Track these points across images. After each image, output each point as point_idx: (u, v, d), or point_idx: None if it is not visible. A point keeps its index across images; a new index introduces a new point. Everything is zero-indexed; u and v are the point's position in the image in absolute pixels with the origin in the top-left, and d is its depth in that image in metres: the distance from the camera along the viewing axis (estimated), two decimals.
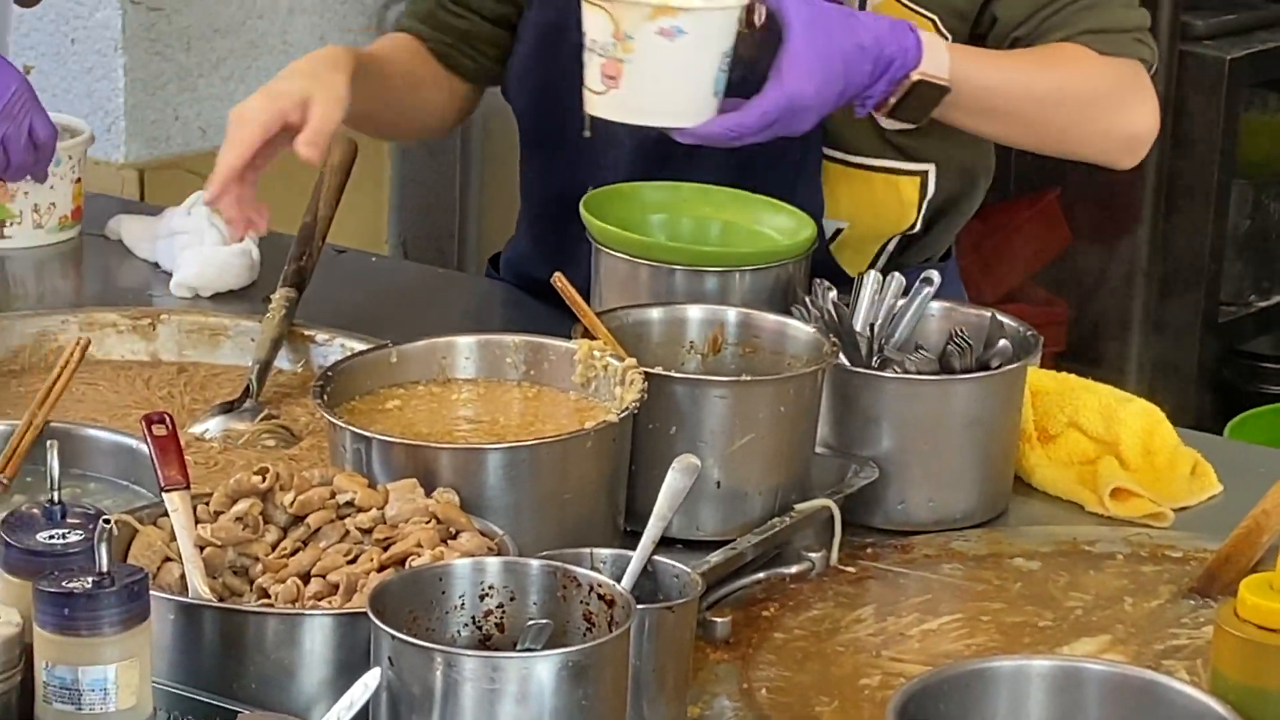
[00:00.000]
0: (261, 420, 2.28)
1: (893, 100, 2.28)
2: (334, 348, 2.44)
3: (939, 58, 2.28)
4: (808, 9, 2.22)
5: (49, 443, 1.80)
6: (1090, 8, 2.41)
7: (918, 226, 2.53)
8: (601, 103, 2.19)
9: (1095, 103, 2.41)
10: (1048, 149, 2.51)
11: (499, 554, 1.80)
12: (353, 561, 1.82)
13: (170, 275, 2.65)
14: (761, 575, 2.02)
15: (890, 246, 2.55)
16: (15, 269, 2.70)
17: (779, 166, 2.45)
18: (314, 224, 2.54)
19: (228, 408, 2.30)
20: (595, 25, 2.17)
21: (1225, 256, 4.36)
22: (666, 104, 2.20)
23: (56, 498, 1.73)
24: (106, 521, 1.65)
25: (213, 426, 2.27)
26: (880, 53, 2.24)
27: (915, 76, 2.27)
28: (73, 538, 1.68)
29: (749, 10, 2.20)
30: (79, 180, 2.77)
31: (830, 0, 2.29)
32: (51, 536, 1.68)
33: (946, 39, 2.38)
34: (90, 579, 1.60)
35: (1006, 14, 2.42)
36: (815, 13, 2.23)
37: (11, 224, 2.73)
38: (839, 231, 2.52)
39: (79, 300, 2.64)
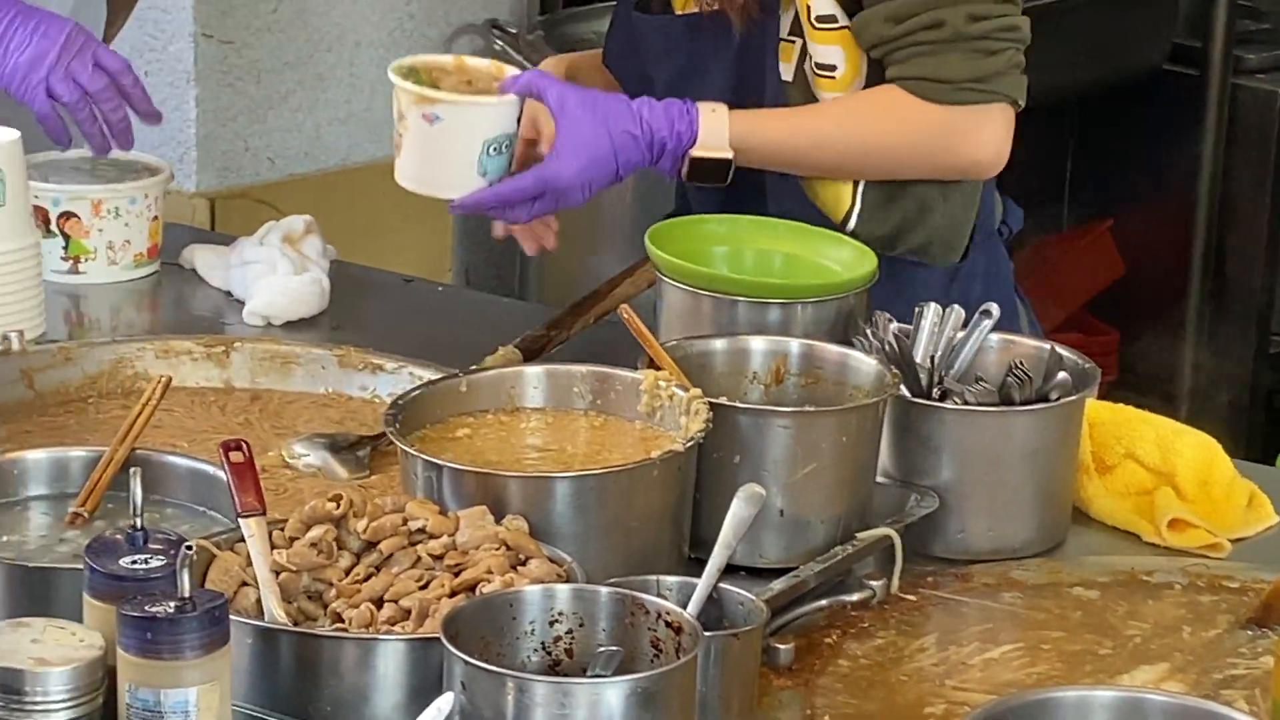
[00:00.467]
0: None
1: (683, 172, 2.47)
2: (403, 376, 2.45)
3: (718, 134, 2.46)
4: (572, 100, 2.42)
5: (132, 470, 1.82)
6: (929, 54, 2.50)
7: (853, 219, 2.56)
8: (395, 169, 2.45)
9: (911, 148, 2.54)
10: (888, 178, 2.59)
11: (568, 581, 1.80)
12: (424, 587, 1.83)
13: (243, 303, 2.66)
14: (824, 602, 2.02)
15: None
16: (92, 301, 2.72)
17: None
18: (596, 299, 2.52)
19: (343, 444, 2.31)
20: (394, 103, 2.42)
21: (1277, 286, 4.34)
22: (431, 177, 2.42)
23: (139, 524, 1.74)
24: (189, 547, 1.66)
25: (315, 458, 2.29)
26: (652, 138, 2.44)
27: (694, 154, 2.45)
28: (155, 563, 1.69)
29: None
30: (156, 218, 2.77)
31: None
32: (134, 562, 1.70)
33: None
34: (172, 604, 1.61)
35: (863, 36, 2.52)
36: (579, 103, 2.43)
37: (87, 260, 2.74)
38: None
39: (154, 328, 2.65)
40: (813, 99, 2.55)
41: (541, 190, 2.42)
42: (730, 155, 2.46)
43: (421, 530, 1.88)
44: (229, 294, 2.72)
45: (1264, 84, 4.26)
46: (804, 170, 2.51)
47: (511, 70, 2.44)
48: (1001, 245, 2.76)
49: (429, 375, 2.33)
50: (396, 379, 2.45)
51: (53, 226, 2.72)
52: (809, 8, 2.51)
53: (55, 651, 1.64)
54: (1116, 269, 4.39)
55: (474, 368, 2.29)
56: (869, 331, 2.23)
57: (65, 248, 2.74)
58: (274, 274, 2.65)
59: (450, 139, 2.39)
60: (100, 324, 2.67)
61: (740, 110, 2.49)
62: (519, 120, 2.43)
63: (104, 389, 2.46)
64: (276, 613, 1.79)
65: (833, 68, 2.54)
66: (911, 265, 2.59)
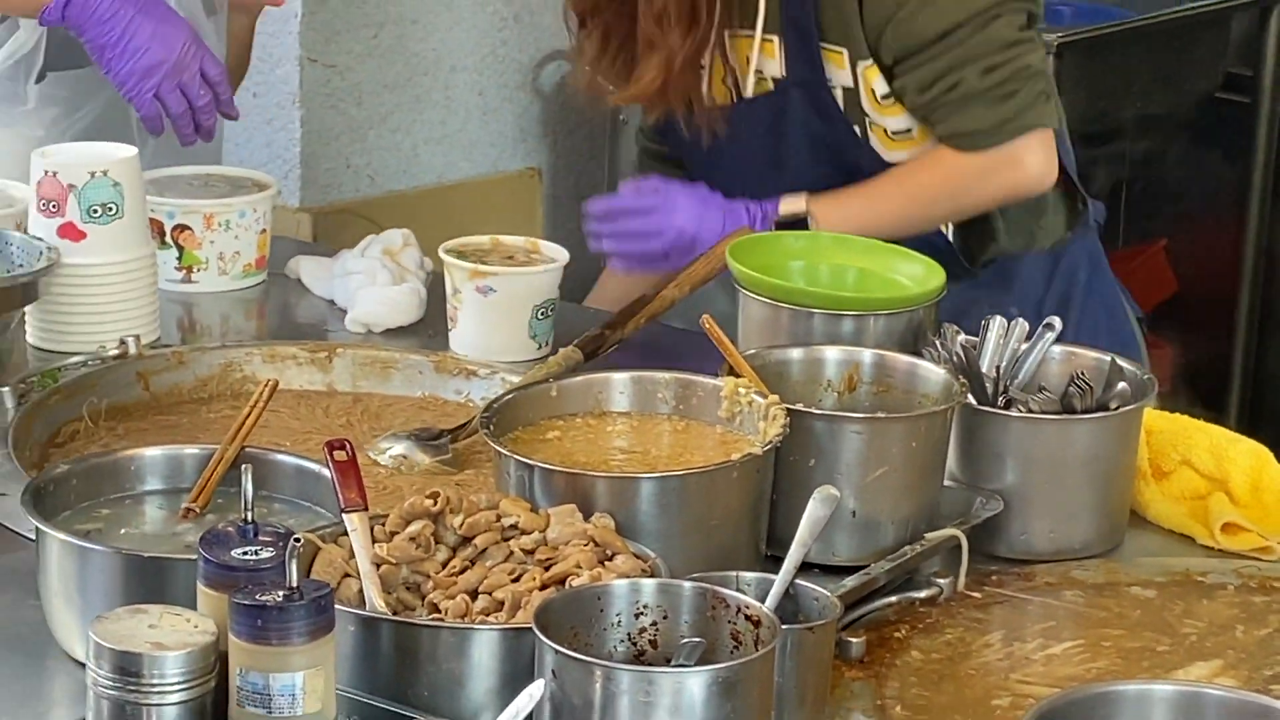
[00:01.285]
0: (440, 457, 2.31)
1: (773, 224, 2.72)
2: (494, 381, 2.46)
3: (795, 203, 2.74)
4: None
5: (244, 467, 1.82)
6: (956, 112, 2.72)
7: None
8: (451, 338, 2.55)
9: (964, 195, 2.77)
10: (959, 219, 2.84)
11: (652, 575, 1.80)
12: (517, 580, 1.83)
13: (345, 311, 2.67)
14: (893, 599, 2.02)
15: None
16: (204, 309, 2.73)
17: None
18: (648, 300, 2.53)
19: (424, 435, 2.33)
20: (446, 279, 2.55)
21: None
22: (485, 343, 2.52)
23: (250, 517, 1.75)
24: (297, 540, 1.67)
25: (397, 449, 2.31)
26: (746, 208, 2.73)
27: (780, 214, 2.73)
28: (264, 554, 1.70)
29: None
30: (264, 231, 2.79)
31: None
32: (245, 553, 1.70)
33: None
34: (281, 593, 1.61)
35: (904, 106, 2.75)
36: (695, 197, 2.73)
37: (199, 270, 2.76)
38: None
39: (261, 334, 2.66)
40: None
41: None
42: (807, 213, 2.74)
43: (514, 526, 1.88)
44: (332, 302, 2.73)
45: None
46: (885, 235, 2.57)
47: (545, 244, 2.61)
48: (1097, 235, 2.94)
49: (519, 380, 2.34)
50: (489, 384, 2.46)
51: (167, 238, 2.74)
52: (872, 90, 2.74)
53: (171, 637, 1.64)
54: (1170, 286, 4.37)
55: (542, 371, 2.35)
56: (938, 343, 2.23)
57: (179, 258, 2.75)
58: (374, 284, 2.67)
59: (503, 307, 2.51)
60: (211, 330, 2.69)
61: (816, 198, 2.73)
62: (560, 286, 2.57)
63: (214, 391, 2.47)
64: (377, 603, 1.79)
65: (907, 131, 2.78)
66: (1014, 257, 2.70)
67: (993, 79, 2.69)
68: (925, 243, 2.60)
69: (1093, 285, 2.91)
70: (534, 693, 1.64)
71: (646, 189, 2.78)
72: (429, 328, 2.63)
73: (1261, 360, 4.33)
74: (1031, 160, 2.74)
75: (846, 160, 2.78)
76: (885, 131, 2.77)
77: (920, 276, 2.36)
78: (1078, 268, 2.90)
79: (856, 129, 2.76)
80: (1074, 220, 2.91)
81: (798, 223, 2.72)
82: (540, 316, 2.54)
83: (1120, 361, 2.22)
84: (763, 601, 1.75)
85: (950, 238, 2.81)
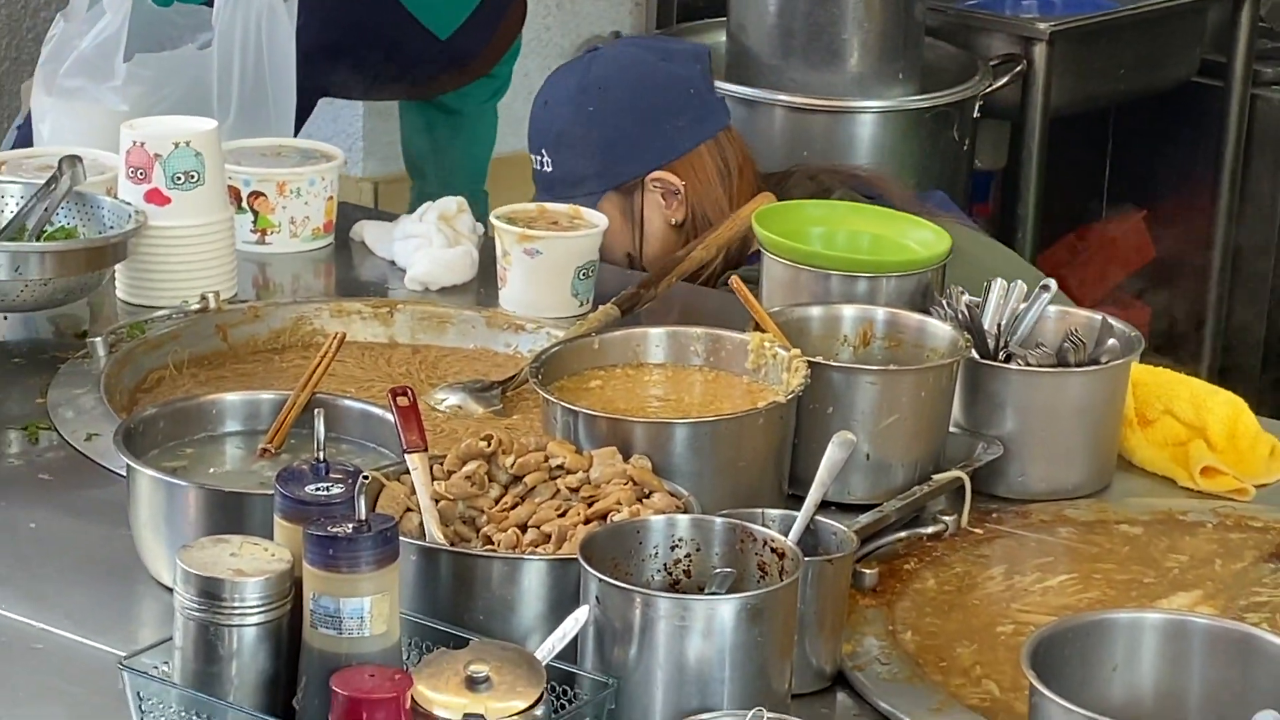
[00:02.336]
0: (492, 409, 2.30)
1: None
2: (541, 335, 2.45)
3: None
4: None
5: (316, 411, 1.81)
6: None
7: None
8: (500, 296, 2.53)
9: None
10: None
11: (686, 512, 1.79)
12: (563, 515, 1.82)
13: (404, 271, 2.66)
14: (903, 534, 2.01)
15: None
16: (276, 268, 2.72)
17: None
18: (680, 261, 2.52)
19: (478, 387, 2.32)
20: (496, 243, 2.53)
21: None
22: (533, 300, 2.49)
23: (322, 457, 1.74)
24: (364, 478, 1.66)
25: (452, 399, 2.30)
26: None
27: None
28: (335, 490, 1.68)
29: None
30: (331, 198, 2.77)
31: None
32: (317, 489, 1.69)
33: None
34: (350, 525, 1.60)
35: None
36: None
37: (272, 233, 2.74)
38: None
39: (329, 292, 2.65)
40: None
41: None
42: None
43: (560, 466, 1.87)
44: (392, 263, 2.72)
45: (1279, 95, 4.22)
46: None
47: (587, 211, 2.57)
48: None
49: (563, 334, 2.33)
50: (536, 337, 2.45)
51: (244, 204, 2.73)
52: None
53: (250, 564, 1.63)
54: (1149, 253, 4.36)
55: (584, 326, 2.33)
56: (944, 302, 2.21)
57: (254, 222, 2.74)
58: (431, 246, 2.65)
59: (549, 268, 2.49)
60: (283, 287, 2.67)
61: None
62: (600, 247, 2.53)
63: (286, 342, 2.47)
64: (436, 535, 1.78)
65: None
66: None
67: None
68: None
69: None
70: (579, 617, 1.63)
71: None
72: (481, 286, 2.62)
73: (1230, 319, 4.32)
74: None
75: None
76: None
77: (929, 242, 2.35)
78: None
79: None
80: None
81: None
82: (582, 276, 2.52)
83: (1111, 320, 2.20)
84: (786, 536, 1.74)
85: None
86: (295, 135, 3.02)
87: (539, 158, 2.74)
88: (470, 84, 3.37)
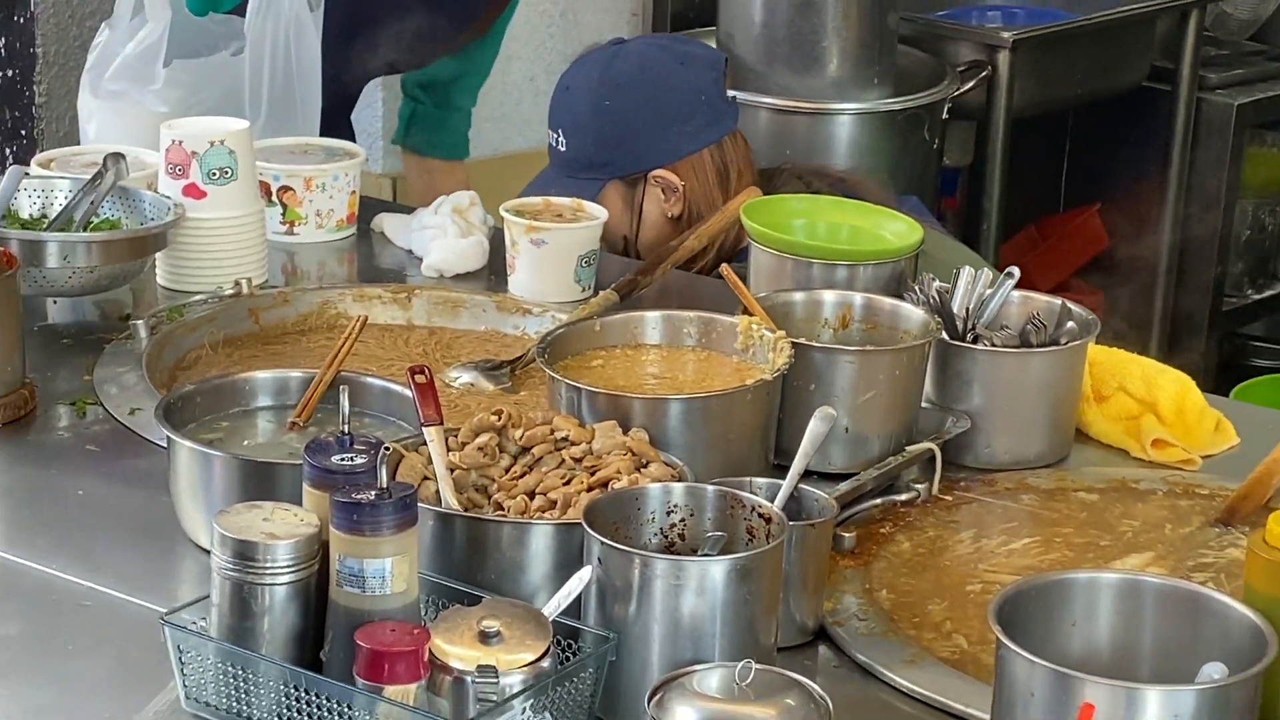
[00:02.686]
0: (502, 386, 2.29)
1: None
2: (546, 318, 2.44)
3: None
4: None
5: (341, 387, 1.80)
6: None
7: None
8: (509, 283, 2.52)
9: None
10: None
11: (680, 480, 1.79)
12: (567, 483, 1.81)
13: (421, 260, 2.65)
14: (879, 501, 2.01)
15: None
16: (303, 256, 2.71)
17: None
18: (674, 250, 2.51)
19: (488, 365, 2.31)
20: (505, 233, 2.52)
21: (1229, 259, 4.30)
22: (539, 286, 2.48)
23: (346, 430, 1.73)
24: (386, 449, 1.65)
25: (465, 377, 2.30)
26: None
27: None
28: (359, 460, 1.68)
29: None
30: (354, 192, 2.76)
31: None
32: (343, 459, 1.68)
33: None
34: (373, 492, 1.60)
35: None
36: None
37: (299, 225, 2.73)
38: None
39: (352, 278, 2.64)
40: None
41: None
42: None
43: (565, 438, 1.86)
44: (410, 252, 2.71)
45: (1222, 98, 4.22)
46: None
47: (588, 204, 2.56)
48: None
49: (567, 317, 2.33)
50: (542, 320, 2.44)
51: (274, 197, 2.72)
52: None
53: (281, 528, 1.63)
54: (1103, 242, 4.35)
55: (586, 310, 2.33)
56: (917, 288, 2.21)
57: (283, 214, 2.73)
58: (445, 237, 2.64)
59: (553, 256, 2.48)
60: (310, 274, 2.66)
61: None
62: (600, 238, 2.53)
63: (313, 325, 2.46)
64: (451, 501, 1.78)
65: None
66: None
67: None
68: None
69: None
70: (583, 576, 1.63)
71: None
72: (491, 273, 2.61)
73: (1177, 304, 4.31)
74: None
75: None
76: None
77: (903, 233, 2.34)
78: None
79: None
80: None
81: None
82: (584, 264, 2.52)
83: (1070, 304, 2.20)
84: (772, 502, 1.74)
85: None
86: (349, 117, 3.00)
87: (555, 135, 2.72)
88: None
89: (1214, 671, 1.44)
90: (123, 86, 2.84)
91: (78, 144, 2.89)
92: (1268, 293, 4.44)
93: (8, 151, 3.78)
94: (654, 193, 2.67)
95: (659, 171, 2.67)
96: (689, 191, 2.66)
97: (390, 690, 1.54)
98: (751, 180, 2.69)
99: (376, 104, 3.79)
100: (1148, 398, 2.22)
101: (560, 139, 2.71)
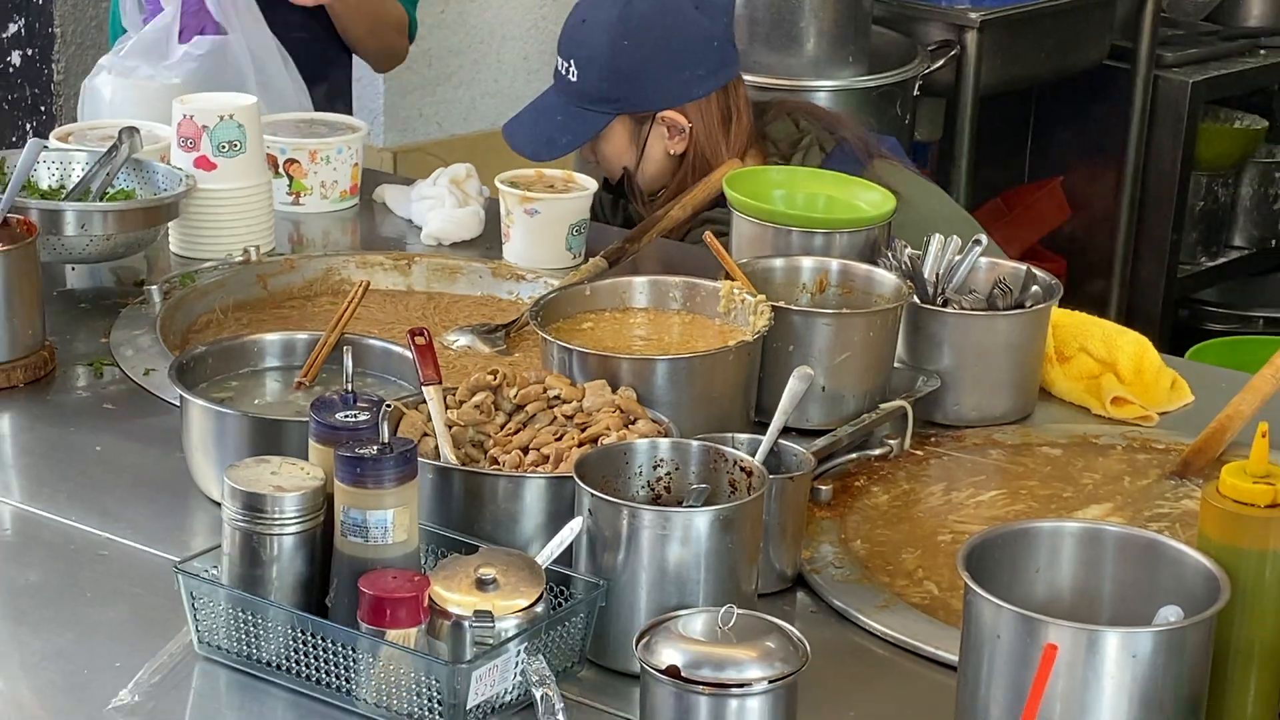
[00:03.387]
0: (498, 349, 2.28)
1: None
2: (539, 284, 2.43)
3: None
4: None
5: (345, 348, 1.79)
6: None
7: None
8: (504, 250, 2.50)
9: None
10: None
11: (666, 436, 1.78)
12: (559, 439, 1.81)
13: (420, 228, 2.64)
14: (854, 456, 2.00)
15: None
16: (309, 225, 2.70)
17: None
18: (660, 219, 2.48)
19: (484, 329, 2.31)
20: (500, 204, 2.51)
21: (1184, 228, 4.29)
22: (532, 254, 2.47)
23: (350, 388, 1.72)
24: (387, 406, 1.64)
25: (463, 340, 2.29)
26: None
27: None
28: (362, 417, 1.68)
29: None
30: (356, 165, 2.75)
31: None
32: (347, 416, 1.68)
33: None
34: (375, 447, 1.59)
35: None
36: None
37: (305, 196, 2.72)
38: None
39: (355, 246, 2.63)
40: None
41: None
42: None
43: (557, 397, 1.86)
44: (410, 221, 2.70)
45: (1178, 76, 4.20)
46: None
47: (579, 176, 2.55)
48: None
49: (559, 283, 2.32)
50: (535, 286, 2.43)
51: (281, 170, 2.70)
52: None
53: (288, 481, 1.63)
54: (1065, 213, 4.33)
55: (577, 275, 2.31)
56: (889, 254, 2.20)
57: (289, 185, 2.72)
58: (443, 207, 2.63)
59: (546, 225, 2.47)
60: (315, 242, 2.65)
61: None
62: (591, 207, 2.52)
63: (318, 290, 2.45)
64: (449, 456, 1.77)
65: None
66: None
67: None
68: None
69: None
70: (574, 527, 1.63)
71: None
72: (487, 241, 2.60)
73: (1135, 271, 4.31)
74: None
75: None
76: None
77: (877, 203, 2.32)
78: None
79: None
80: None
81: None
82: (575, 233, 2.50)
83: (1034, 270, 2.19)
84: (753, 457, 1.73)
85: None
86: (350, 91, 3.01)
87: (566, 64, 2.63)
88: None
89: (1170, 615, 1.44)
90: (137, 63, 2.82)
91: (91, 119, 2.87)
92: (1220, 260, 4.43)
93: (28, 127, 3.76)
94: (660, 131, 2.62)
95: (667, 113, 2.61)
96: (695, 133, 2.62)
97: (392, 634, 1.54)
98: (750, 123, 2.66)
99: (378, 81, 3.77)
100: (1108, 358, 2.22)
101: (571, 69, 2.61)
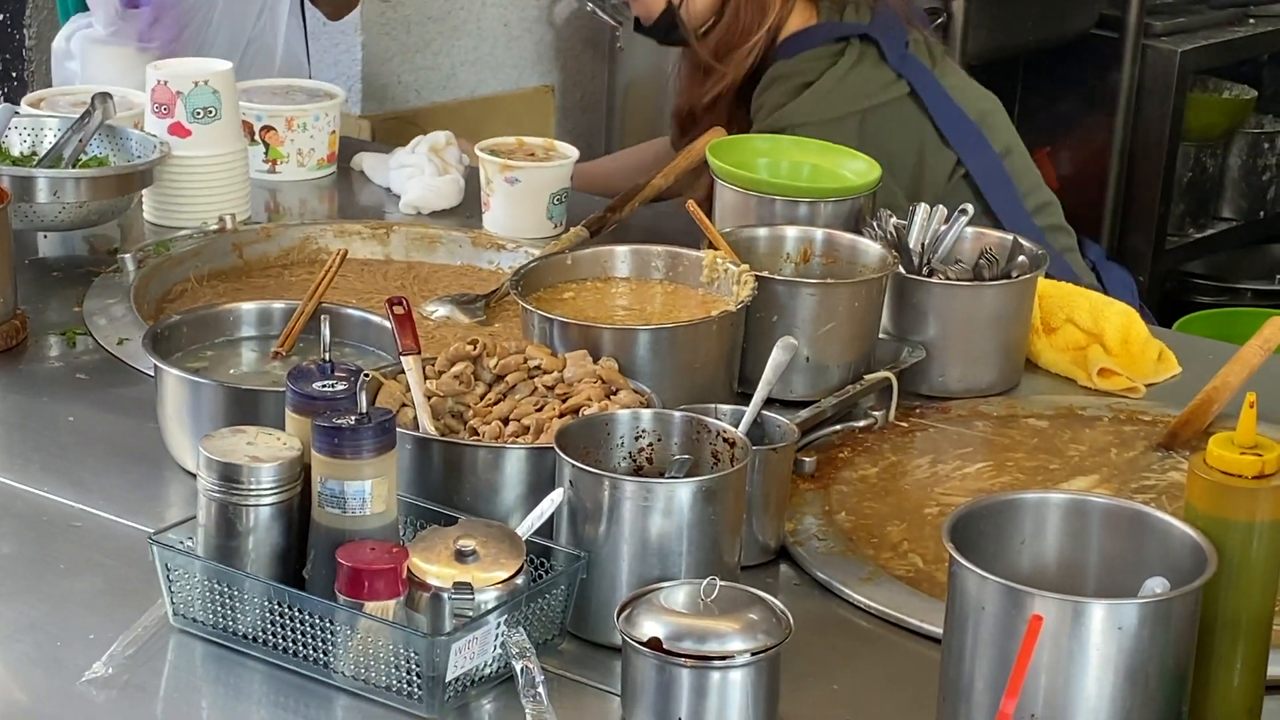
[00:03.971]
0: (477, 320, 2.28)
1: None
2: (519, 253, 2.43)
3: None
4: None
5: (322, 317, 1.79)
6: None
7: None
8: (484, 219, 2.49)
9: None
10: None
11: (648, 407, 1.78)
12: (540, 410, 1.81)
13: (399, 197, 2.63)
14: (838, 427, 2.00)
15: None
16: (285, 194, 2.69)
17: None
18: (642, 188, 2.48)
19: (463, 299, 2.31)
20: (480, 172, 2.50)
21: (1172, 200, 4.30)
22: (513, 223, 2.46)
23: (327, 358, 1.72)
24: (365, 376, 1.64)
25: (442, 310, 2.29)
26: None
27: None
28: (339, 387, 1.67)
29: None
30: (334, 132, 2.74)
31: None
32: (324, 386, 1.67)
33: None
34: (353, 417, 1.59)
35: None
36: None
37: (281, 163, 2.71)
38: None
39: (332, 214, 2.63)
40: None
41: None
42: None
43: (538, 367, 1.85)
44: (388, 190, 2.69)
45: (1166, 45, 4.20)
46: None
47: (560, 144, 2.55)
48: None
49: (540, 252, 2.31)
50: (515, 255, 2.43)
51: (257, 137, 2.69)
52: None
53: (265, 451, 1.62)
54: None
55: (558, 244, 2.31)
56: (874, 224, 2.20)
57: (266, 153, 2.71)
58: (422, 175, 2.63)
59: (527, 194, 2.47)
60: (291, 211, 2.65)
61: None
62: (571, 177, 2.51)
63: (295, 259, 2.44)
64: (429, 427, 1.77)
65: None
66: None
67: None
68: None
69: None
70: (555, 498, 1.63)
71: None
72: (466, 210, 2.59)
73: (1123, 241, 4.31)
74: None
75: None
76: None
77: (862, 171, 2.33)
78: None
79: None
80: None
81: None
82: (556, 202, 2.50)
83: (1021, 240, 2.19)
84: (736, 428, 1.73)
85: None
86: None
87: None
88: None
89: (1156, 586, 1.45)
90: (112, 29, 2.81)
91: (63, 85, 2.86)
92: (1208, 231, 4.44)
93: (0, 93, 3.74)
94: None
95: None
96: None
97: (370, 606, 1.54)
98: None
99: (356, 48, 3.76)
100: (1094, 329, 2.22)
101: None
